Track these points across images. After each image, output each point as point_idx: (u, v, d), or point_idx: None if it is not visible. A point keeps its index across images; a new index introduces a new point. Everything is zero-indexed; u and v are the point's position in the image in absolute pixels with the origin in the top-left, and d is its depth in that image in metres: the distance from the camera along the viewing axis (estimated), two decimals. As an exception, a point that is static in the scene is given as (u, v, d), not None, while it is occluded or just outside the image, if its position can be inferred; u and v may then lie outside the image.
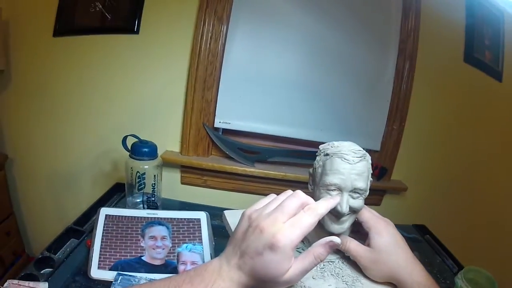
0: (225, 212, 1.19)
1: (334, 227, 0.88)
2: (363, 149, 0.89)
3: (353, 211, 0.88)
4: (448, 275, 1.44)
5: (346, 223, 0.89)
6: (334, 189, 0.84)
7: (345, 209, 0.83)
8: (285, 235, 0.63)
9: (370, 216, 0.94)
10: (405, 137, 1.99)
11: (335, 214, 0.86)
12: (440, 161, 2.13)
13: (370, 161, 0.90)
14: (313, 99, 1.86)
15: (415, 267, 0.89)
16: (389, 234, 0.91)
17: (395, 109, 1.92)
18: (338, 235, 0.88)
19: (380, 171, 1.97)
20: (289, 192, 0.73)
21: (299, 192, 0.71)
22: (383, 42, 1.87)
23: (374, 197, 2.07)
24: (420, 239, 1.79)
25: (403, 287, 0.88)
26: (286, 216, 0.66)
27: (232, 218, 1.14)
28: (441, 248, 1.72)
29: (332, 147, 0.88)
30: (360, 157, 0.85)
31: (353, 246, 0.92)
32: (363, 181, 0.85)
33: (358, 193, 0.85)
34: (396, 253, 0.89)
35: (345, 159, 0.84)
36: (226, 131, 1.87)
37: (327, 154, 0.88)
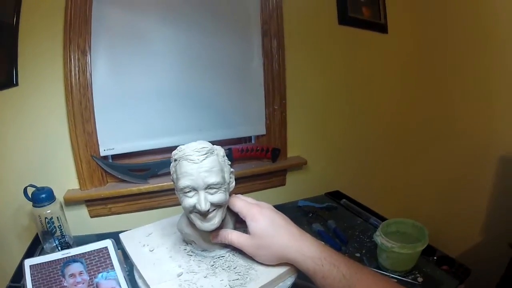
0: (120, 235, 1.23)
1: (205, 225, 0.98)
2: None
3: (218, 205, 0.97)
4: (372, 233, 1.59)
5: (215, 219, 0.98)
6: (189, 191, 0.95)
7: (203, 206, 0.93)
8: None
9: (243, 205, 1.04)
10: (290, 113, 2.24)
11: (199, 213, 0.96)
12: (333, 126, 2.42)
13: (221, 154, 1.01)
14: (191, 103, 2.06)
15: (304, 242, 0.97)
16: (265, 217, 1.00)
17: (272, 90, 2.18)
18: (218, 229, 1.03)
19: (272, 153, 2.21)
20: None
21: None
22: (244, 30, 2.12)
23: (276, 179, 2.31)
24: (335, 206, 2.01)
25: (298, 265, 0.97)
26: None
27: (126, 239, 1.20)
28: (360, 208, 1.95)
29: (179, 151, 0.98)
30: (205, 154, 0.95)
31: (235, 237, 1.02)
32: (215, 176, 0.94)
33: (214, 188, 0.94)
34: (276, 234, 0.98)
35: (190, 160, 0.94)
36: (116, 156, 2.03)
37: (175, 160, 0.98)
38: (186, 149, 0.97)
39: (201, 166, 0.94)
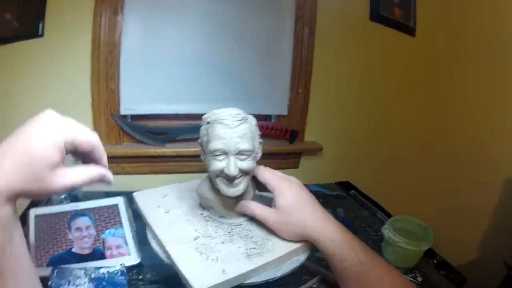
0: (134, 194, 1.23)
1: (230, 190, 0.99)
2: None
3: (245, 172, 0.99)
4: (378, 227, 1.63)
5: (241, 185, 1.00)
6: (220, 154, 0.96)
7: (233, 171, 0.94)
8: (66, 127, 0.69)
9: (272, 177, 1.04)
10: (313, 98, 2.23)
11: (226, 177, 0.97)
12: (353, 117, 2.38)
13: (254, 123, 1.02)
14: (216, 73, 2.03)
15: (327, 224, 0.97)
16: (293, 192, 1.01)
17: (298, 74, 2.15)
18: (240, 198, 1.04)
19: (291, 134, 2.19)
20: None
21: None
22: (279, 12, 2.08)
23: (291, 161, 2.30)
24: (344, 195, 2.00)
25: (317, 245, 0.96)
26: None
27: (141, 199, 1.20)
28: (368, 201, 1.93)
29: (213, 114, 0.98)
30: (240, 120, 0.96)
31: (259, 210, 1.03)
32: (247, 143, 0.95)
33: (244, 154, 0.96)
34: (302, 211, 0.99)
35: (225, 124, 0.95)
36: (135, 116, 2.02)
37: (208, 122, 0.99)
38: (220, 113, 0.97)
39: (235, 131, 0.95)
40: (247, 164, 0.98)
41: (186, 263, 0.92)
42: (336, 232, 0.95)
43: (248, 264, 0.92)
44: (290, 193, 1.01)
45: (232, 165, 0.95)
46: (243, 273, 0.90)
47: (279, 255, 0.96)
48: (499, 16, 2.04)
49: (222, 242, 1.00)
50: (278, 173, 1.07)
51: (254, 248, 0.97)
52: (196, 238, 1.01)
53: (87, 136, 0.73)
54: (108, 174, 0.79)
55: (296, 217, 0.98)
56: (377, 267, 0.90)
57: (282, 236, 1.01)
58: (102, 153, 0.78)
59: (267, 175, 1.05)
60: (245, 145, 0.95)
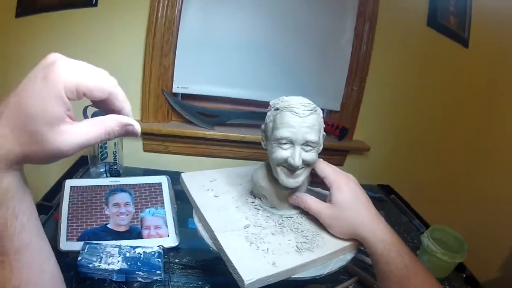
0: (183, 174, 1.18)
1: (289, 181, 0.96)
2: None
3: (307, 164, 0.95)
4: (415, 235, 1.62)
5: (301, 177, 0.97)
6: (286, 143, 0.92)
7: (297, 161, 0.91)
8: (66, 71, 0.53)
9: (331, 171, 1.02)
10: (365, 97, 2.17)
11: (288, 168, 0.94)
12: (402, 122, 2.32)
13: (321, 115, 0.98)
14: (271, 61, 2.00)
15: (379, 224, 0.96)
16: (350, 189, 0.99)
17: (355, 71, 2.09)
18: (294, 190, 1.02)
19: (341, 131, 2.15)
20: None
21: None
22: (341, 4, 2.01)
23: (337, 158, 2.26)
24: (385, 198, 1.97)
25: (367, 245, 0.95)
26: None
27: (189, 180, 1.16)
28: (407, 208, 1.91)
29: (282, 101, 0.95)
30: (310, 110, 0.92)
31: (313, 203, 1.00)
32: (315, 134, 0.92)
33: (310, 146, 0.92)
34: (357, 209, 0.97)
35: (295, 112, 0.91)
36: (185, 96, 2.01)
37: (277, 109, 0.95)
38: (291, 101, 0.93)
39: (304, 120, 0.91)
40: (311, 155, 0.94)
41: (236, 251, 0.89)
42: (387, 234, 0.94)
43: (298, 258, 0.90)
44: (347, 190, 0.98)
45: (297, 155, 0.91)
46: (293, 267, 0.88)
47: (329, 251, 0.95)
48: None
49: (273, 234, 0.97)
50: (336, 169, 1.05)
51: (305, 242, 0.95)
52: (246, 227, 0.99)
53: (98, 81, 0.57)
54: (132, 122, 0.63)
55: (350, 214, 0.97)
56: (419, 274, 0.90)
57: (333, 232, 0.99)
58: (121, 100, 0.62)
59: (327, 169, 1.03)
60: (312, 136, 0.91)
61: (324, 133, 1.00)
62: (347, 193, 0.98)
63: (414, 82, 2.26)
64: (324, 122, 1.85)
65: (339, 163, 2.29)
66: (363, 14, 2.02)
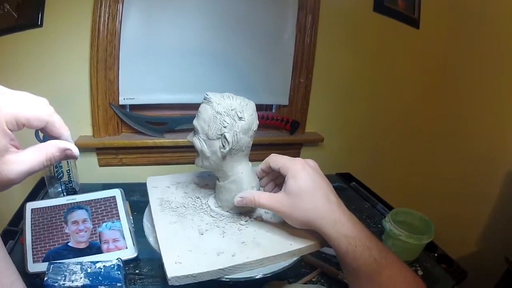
0: (148, 178, 1.24)
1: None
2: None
3: (197, 151, 1.04)
4: (379, 219, 1.67)
5: (197, 160, 1.07)
6: None
7: (188, 136, 1.07)
8: (5, 104, 0.58)
9: (285, 160, 0.96)
10: (315, 89, 2.23)
11: None
12: (356, 109, 2.40)
13: (217, 110, 0.97)
14: (216, 63, 2.03)
15: (340, 217, 0.90)
16: (307, 176, 0.92)
17: (300, 63, 2.15)
18: (236, 192, 1.02)
19: (291, 125, 2.20)
20: None
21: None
22: (281, 0, 2.06)
23: (291, 152, 2.31)
24: (345, 187, 2.03)
25: (328, 240, 0.90)
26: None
27: (152, 183, 1.22)
28: (369, 193, 1.96)
29: None
30: (204, 100, 1.01)
31: (264, 198, 0.95)
32: (196, 120, 1.02)
33: (194, 130, 1.04)
34: (315, 198, 0.90)
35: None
36: (134, 107, 2.03)
37: None
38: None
39: (199, 108, 1.02)
40: (193, 139, 1.04)
41: (168, 249, 0.93)
42: (351, 227, 0.88)
43: (229, 260, 0.90)
44: (303, 177, 0.92)
45: (190, 133, 1.06)
46: (218, 269, 0.88)
47: (269, 254, 0.92)
48: (505, 7, 2.03)
49: (211, 233, 1.00)
50: (292, 158, 0.98)
51: (244, 243, 0.95)
52: (183, 216, 1.06)
53: (35, 111, 0.62)
54: (70, 146, 0.68)
55: (307, 204, 0.91)
56: (391, 265, 0.86)
57: (291, 223, 0.96)
58: (59, 127, 0.68)
59: (280, 159, 0.98)
60: (194, 121, 1.03)
61: (227, 133, 0.97)
62: (303, 180, 0.91)
63: (365, 69, 2.34)
64: (273, 118, 1.91)
65: (295, 157, 2.27)
66: (305, 6, 2.06)
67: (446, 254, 1.52)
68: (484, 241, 2.19)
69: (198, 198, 1.16)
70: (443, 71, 2.45)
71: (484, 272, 1.85)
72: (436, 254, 1.52)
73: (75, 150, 0.69)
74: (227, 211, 1.08)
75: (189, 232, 1.00)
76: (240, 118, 0.98)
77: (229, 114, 0.98)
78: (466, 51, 2.30)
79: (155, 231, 1.01)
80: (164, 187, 1.22)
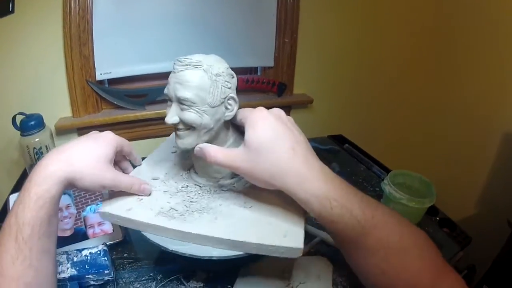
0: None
1: (177, 141, 0.94)
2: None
3: (189, 125, 0.90)
4: (376, 182, 1.62)
5: (187, 139, 0.92)
6: (168, 100, 0.91)
7: (168, 119, 0.89)
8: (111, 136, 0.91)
9: (248, 111, 0.87)
10: (300, 49, 2.19)
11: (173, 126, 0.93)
12: (345, 68, 2.37)
13: (214, 72, 0.89)
14: (194, 28, 1.98)
15: (307, 172, 0.79)
16: (268, 125, 0.81)
17: (284, 22, 2.10)
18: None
19: (278, 87, 2.18)
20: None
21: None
22: None
23: None
24: (337, 149, 1.97)
25: (298, 201, 0.80)
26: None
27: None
28: (363, 155, 1.91)
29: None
30: (185, 65, 0.87)
31: (220, 153, 0.85)
32: (187, 91, 0.86)
33: (184, 104, 0.87)
34: (276, 150, 0.79)
35: (173, 68, 0.89)
36: (113, 81, 2.00)
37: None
38: (177, 59, 0.90)
39: (177, 76, 0.88)
40: (187, 115, 0.88)
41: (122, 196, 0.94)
42: (322, 185, 0.77)
43: (157, 219, 0.88)
44: (262, 126, 0.81)
45: (169, 113, 0.90)
46: (142, 221, 0.88)
47: (188, 230, 0.85)
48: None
49: (164, 192, 0.98)
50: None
51: (176, 210, 0.91)
52: (155, 179, 1.04)
53: (129, 144, 0.98)
54: (148, 188, 0.95)
55: (268, 157, 0.79)
56: (380, 225, 0.77)
57: (255, 183, 0.85)
58: (135, 157, 1.05)
59: (243, 111, 0.90)
60: (181, 93, 0.86)
61: (233, 95, 0.92)
62: (263, 130, 0.80)
63: (354, 26, 2.29)
64: (259, 81, 1.86)
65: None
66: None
67: (448, 217, 1.48)
68: (484, 204, 2.18)
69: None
70: (436, 31, 2.40)
71: (486, 237, 1.82)
72: (438, 218, 1.48)
73: (148, 192, 0.95)
74: (195, 172, 1.05)
75: (154, 182, 1.02)
76: (232, 75, 0.94)
77: (226, 73, 0.92)
78: (461, 7, 2.24)
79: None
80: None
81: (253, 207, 0.92)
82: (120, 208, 0.90)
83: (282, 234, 0.83)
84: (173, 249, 0.90)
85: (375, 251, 0.77)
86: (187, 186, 1.01)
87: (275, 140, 0.79)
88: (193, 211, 0.91)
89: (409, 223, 0.84)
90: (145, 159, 1.15)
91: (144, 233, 0.93)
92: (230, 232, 0.84)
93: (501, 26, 1.97)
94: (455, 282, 0.75)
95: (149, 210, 0.90)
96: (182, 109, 0.88)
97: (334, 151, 1.99)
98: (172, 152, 1.18)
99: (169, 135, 1.28)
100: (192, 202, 0.94)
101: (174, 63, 0.89)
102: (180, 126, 0.91)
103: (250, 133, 0.81)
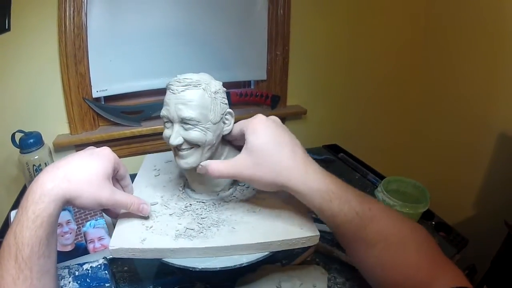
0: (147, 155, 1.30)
1: (179, 162, 0.95)
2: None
3: (195, 144, 0.91)
4: (371, 190, 1.64)
5: (191, 158, 0.94)
6: (167, 121, 0.92)
7: (172, 140, 0.89)
8: (108, 152, 0.93)
9: (244, 120, 0.92)
10: (292, 61, 2.23)
11: (175, 147, 0.93)
12: (338, 78, 2.41)
13: (212, 90, 0.92)
14: (186, 43, 2.02)
15: (309, 169, 0.86)
16: (269, 130, 0.87)
17: (275, 35, 2.15)
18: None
19: (272, 99, 2.22)
20: None
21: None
22: None
23: None
24: (333, 158, 2.01)
25: (300, 198, 0.87)
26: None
27: (149, 160, 1.27)
28: (358, 164, 1.94)
29: (169, 81, 0.93)
30: (186, 85, 0.89)
31: (223, 167, 0.90)
32: (191, 110, 0.88)
33: (188, 124, 0.88)
34: (279, 153, 0.85)
35: (170, 89, 0.90)
36: (109, 98, 2.03)
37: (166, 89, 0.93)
38: (173, 79, 0.92)
39: (178, 97, 0.89)
40: (193, 134, 0.90)
41: (123, 222, 0.96)
42: (321, 180, 0.84)
43: (170, 242, 0.89)
44: (263, 131, 0.87)
45: (173, 134, 0.90)
46: (160, 248, 0.88)
47: (214, 245, 0.88)
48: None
49: (170, 215, 0.98)
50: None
51: (193, 229, 0.92)
52: (153, 204, 1.03)
53: (125, 167, 0.98)
54: (147, 208, 0.94)
55: (271, 159, 0.85)
56: (378, 217, 0.83)
57: (258, 187, 0.92)
58: (129, 181, 1.03)
59: (240, 122, 0.94)
60: (186, 113, 0.88)
61: (230, 110, 0.96)
62: (264, 134, 0.87)
63: (343, 36, 2.33)
64: (253, 94, 1.90)
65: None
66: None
67: (444, 221, 1.52)
68: (480, 206, 2.21)
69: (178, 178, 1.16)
70: (429, 34, 2.45)
71: (484, 238, 1.85)
72: (433, 222, 1.51)
73: (147, 211, 0.95)
74: (192, 191, 1.08)
75: (154, 207, 1.03)
76: (224, 90, 0.97)
77: (222, 90, 0.96)
78: (452, 6, 2.29)
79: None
80: (161, 162, 1.25)
81: (261, 210, 0.98)
82: (133, 240, 0.89)
83: (298, 227, 0.92)
84: (203, 267, 0.87)
85: (374, 243, 0.82)
86: (190, 204, 1.03)
87: (277, 142, 0.86)
88: (209, 227, 0.93)
89: (408, 218, 0.88)
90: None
91: (165, 259, 0.89)
92: (255, 237, 0.89)
93: (494, 26, 2.02)
94: (455, 277, 0.77)
95: (165, 235, 0.90)
96: (186, 129, 0.90)
97: (329, 160, 2.03)
98: (156, 176, 1.19)
99: (165, 150, 1.30)
100: (203, 218, 0.96)
101: (171, 84, 0.90)
102: (184, 146, 0.92)
103: (252, 139, 0.87)
